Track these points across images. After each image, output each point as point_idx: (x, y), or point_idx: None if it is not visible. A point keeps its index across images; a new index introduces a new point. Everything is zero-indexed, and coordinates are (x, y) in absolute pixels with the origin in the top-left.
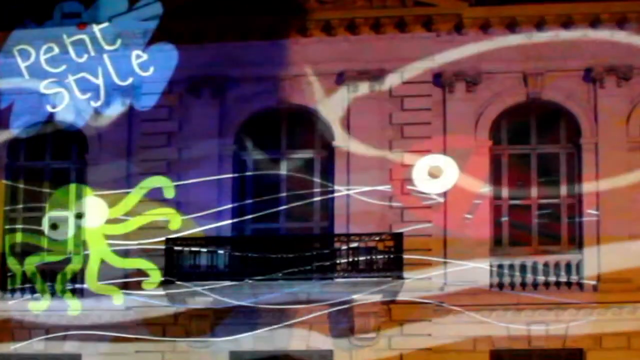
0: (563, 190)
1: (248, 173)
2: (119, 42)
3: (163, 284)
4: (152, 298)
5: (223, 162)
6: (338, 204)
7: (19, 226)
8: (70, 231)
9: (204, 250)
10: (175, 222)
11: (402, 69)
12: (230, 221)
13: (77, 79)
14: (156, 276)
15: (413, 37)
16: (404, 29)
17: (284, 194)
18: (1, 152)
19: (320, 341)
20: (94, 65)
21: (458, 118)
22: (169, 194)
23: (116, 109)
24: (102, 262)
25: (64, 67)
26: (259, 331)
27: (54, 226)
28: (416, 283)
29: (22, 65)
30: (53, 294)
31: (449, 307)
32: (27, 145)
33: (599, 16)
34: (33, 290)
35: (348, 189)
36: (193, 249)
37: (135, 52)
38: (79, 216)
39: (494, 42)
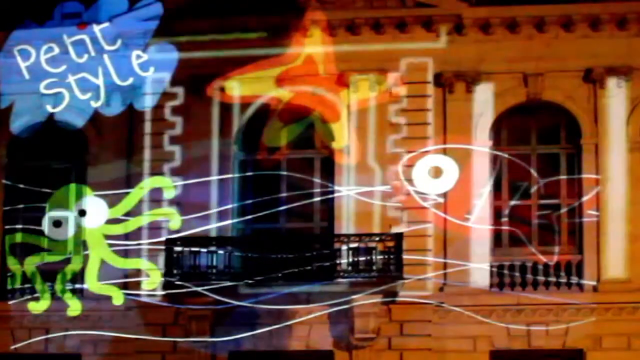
0: (563, 190)
1: (248, 173)
2: (119, 42)
3: (163, 284)
4: (152, 298)
5: (223, 162)
6: (338, 204)
7: (19, 226)
8: (71, 231)
9: (204, 250)
10: (176, 222)
11: (402, 69)
12: (230, 221)
13: (77, 79)
14: (156, 276)
15: (413, 38)
16: (404, 30)
17: (284, 194)
18: (1, 152)
19: (320, 341)
20: (94, 65)
21: (458, 118)
22: (169, 194)
23: (116, 109)
24: (102, 262)
25: (64, 67)
26: (259, 331)
27: (55, 224)
28: (416, 283)
29: (22, 65)
30: (53, 294)
31: (449, 308)
32: (27, 145)
33: (599, 16)
34: (33, 290)
35: (348, 189)
36: (193, 249)
37: (135, 52)
38: (82, 213)
39: (494, 42)
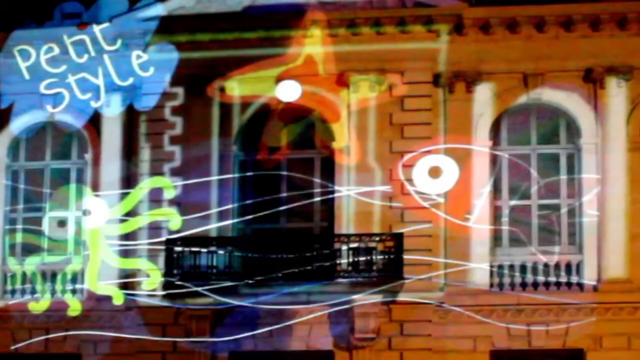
0: (563, 190)
1: (248, 173)
2: (119, 42)
3: (163, 284)
4: (152, 298)
5: (223, 162)
6: (338, 204)
7: (19, 226)
8: (71, 231)
9: (204, 250)
10: (176, 222)
11: (402, 69)
12: (230, 221)
13: (77, 79)
14: (156, 276)
15: (413, 38)
16: (404, 30)
17: (284, 194)
18: (1, 152)
19: (320, 341)
20: (94, 65)
21: (458, 118)
22: (169, 194)
23: (116, 109)
24: (103, 262)
25: (64, 67)
26: (259, 331)
27: (59, 224)
28: (416, 283)
29: (22, 65)
30: (53, 294)
31: (449, 308)
32: (27, 145)
33: (599, 16)
34: (33, 290)
35: (348, 189)
36: (193, 249)
37: (135, 53)
38: (87, 213)
39: (494, 42)
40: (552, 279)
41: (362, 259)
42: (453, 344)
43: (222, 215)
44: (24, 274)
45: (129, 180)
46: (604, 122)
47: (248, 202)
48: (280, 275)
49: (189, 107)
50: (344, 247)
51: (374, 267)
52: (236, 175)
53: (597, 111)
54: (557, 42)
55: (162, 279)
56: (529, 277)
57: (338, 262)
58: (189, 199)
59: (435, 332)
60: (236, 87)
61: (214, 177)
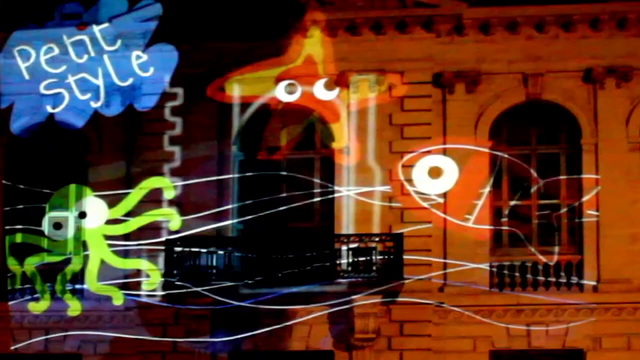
0: (563, 190)
1: (248, 173)
2: (119, 42)
3: (163, 285)
4: (152, 298)
5: (223, 163)
6: (338, 204)
7: (19, 226)
8: (71, 231)
9: (204, 250)
10: (175, 222)
11: (402, 69)
12: (230, 221)
13: (77, 79)
14: (156, 276)
15: (413, 38)
16: (404, 30)
17: (284, 194)
18: (1, 153)
19: (320, 341)
20: (94, 65)
21: (458, 119)
22: (169, 194)
23: (116, 110)
24: (102, 262)
25: (64, 67)
26: (259, 331)
27: (55, 226)
28: (416, 283)
29: (22, 65)
30: (53, 294)
31: (449, 308)
32: (27, 145)
33: (599, 16)
34: (33, 291)
35: (348, 189)
36: (193, 249)
37: (135, 53)
38: (82, 215)
39: (494, 43)
40: (552, 279)
41: (361, 259)
42: (453, 344)
43: (222, 215)
44: (24, 274)
45: (129, 180)
46: (604, 122)
47: (248, 202)
48: (280, 275)
49: (189, 107)
50: (344, 248)
51: (374, 268)
52: (236, 175)
53: (597, 111)
54: (557, 42)
55: (162, 279)
56: (529, 277)
57: (338, 262)
58: (189, 199)
59: (435, 332)
60: (236, 87)
61: (214, 177)
